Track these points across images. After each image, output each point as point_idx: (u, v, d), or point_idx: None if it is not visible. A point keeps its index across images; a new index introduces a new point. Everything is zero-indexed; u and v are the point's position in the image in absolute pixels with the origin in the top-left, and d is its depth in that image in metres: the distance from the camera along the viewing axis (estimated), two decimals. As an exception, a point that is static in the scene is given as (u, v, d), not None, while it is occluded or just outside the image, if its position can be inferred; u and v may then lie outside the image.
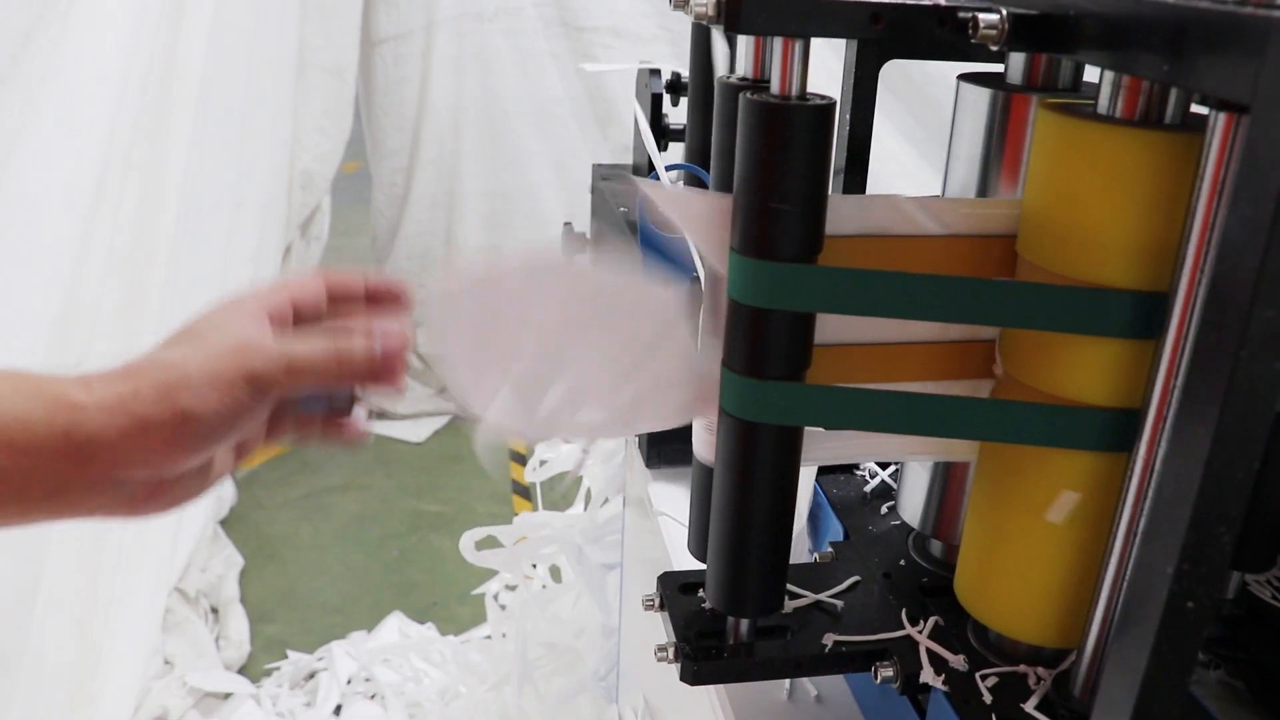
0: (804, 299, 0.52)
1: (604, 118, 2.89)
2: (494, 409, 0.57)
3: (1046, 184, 0.53)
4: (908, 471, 0.71)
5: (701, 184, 0.93)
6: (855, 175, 0.67)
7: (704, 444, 0.63)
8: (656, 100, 0.97)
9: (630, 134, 1.08)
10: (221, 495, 2.37)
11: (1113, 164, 0.50)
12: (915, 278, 0.52)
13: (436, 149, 2.95)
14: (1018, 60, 0.60)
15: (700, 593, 0.65)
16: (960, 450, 0.63)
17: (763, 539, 0.59)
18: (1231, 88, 0.38)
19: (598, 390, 0.58)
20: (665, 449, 1.03)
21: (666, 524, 0.94)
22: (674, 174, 1.05)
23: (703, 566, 0.64)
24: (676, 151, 0.99)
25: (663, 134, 0.99)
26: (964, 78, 0.62)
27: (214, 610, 2.09)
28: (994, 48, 0.50)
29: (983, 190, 0.60)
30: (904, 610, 0.65)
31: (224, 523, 2.36)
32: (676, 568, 0.76)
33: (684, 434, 0.66)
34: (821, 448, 0.62)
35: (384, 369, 0.52)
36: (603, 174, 1.17)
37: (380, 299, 0.57)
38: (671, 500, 0.97)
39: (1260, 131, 0.36)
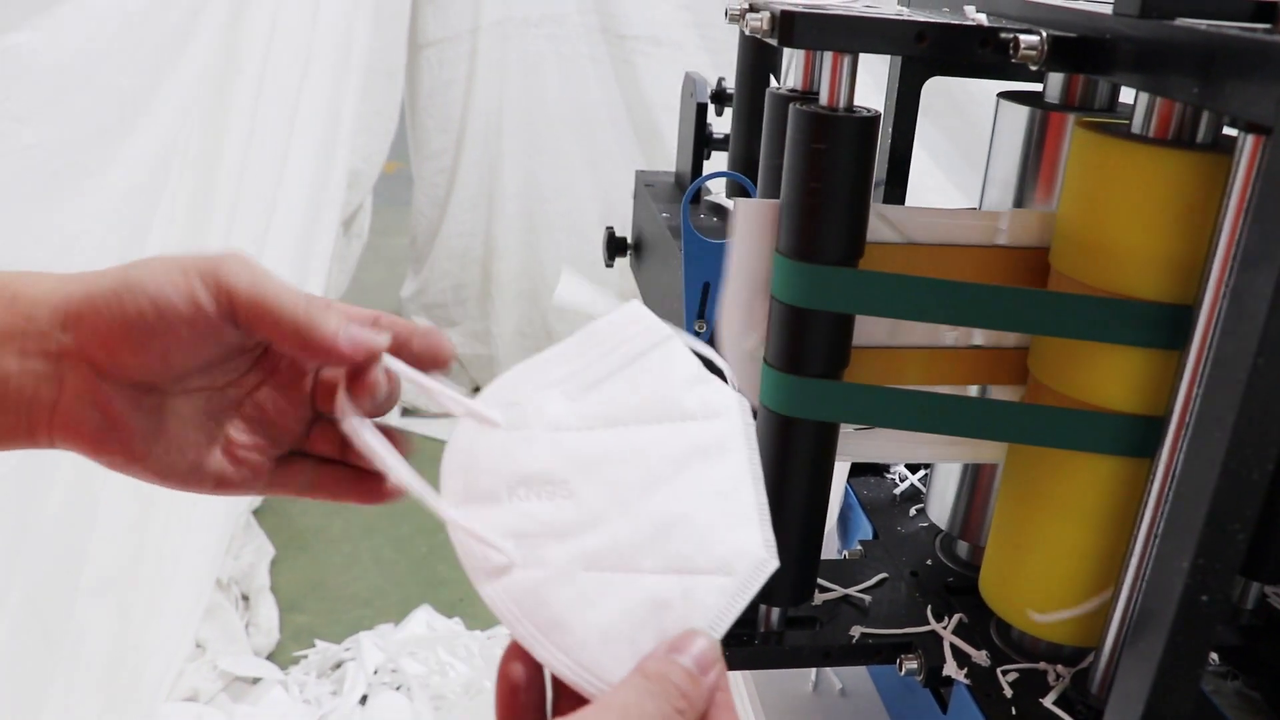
0: (843, 301, 0.55)
1: (642, 124, 2.92)
2: None
3: (1080, 199, 0.56)
4: (937, 475, 0.74)
5: (745, 192, 0.96)
6: (895, 187, 0.70)
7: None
8: (701, 109, 0.99)
9: (670, 141, 1.10)
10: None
11: (1145, 182, 0.52)
12: (950, 284, 0.54)
13: (479, 151, 2.99)
14: (1056, 80, 0.62)
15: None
16: (988, 453, 0.66)
17: (796, 530, 0.61)
18: (1256, 110, 0.40)
19: None
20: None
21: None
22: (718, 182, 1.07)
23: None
24: (720, 160, 1.01)
25: (706, 142, 1.01)
26: (1004, 95, 0.65)
27: (244, 598, 2.13)
28: (1033, 68, 0.52)
29: (1019, 203, 0.63)
30: (929, 607, 0.68)
31: (256, 513, 2.40)
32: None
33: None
34: (856, 445, 0.64)
35: (348, 360, 0.47)
36: (646, 180, 1.20)
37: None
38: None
39: (1281, 152, 0.39)
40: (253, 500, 2.42)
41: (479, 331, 3.13)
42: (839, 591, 0.69)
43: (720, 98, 1.03)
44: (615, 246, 1.15)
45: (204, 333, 0.46)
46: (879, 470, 0.86)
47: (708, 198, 1.11)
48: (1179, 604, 0.45)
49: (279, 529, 2.40)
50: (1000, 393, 0.64)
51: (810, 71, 0.57)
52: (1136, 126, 0.54)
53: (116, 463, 0.49)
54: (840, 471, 0.83)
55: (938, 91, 2.21)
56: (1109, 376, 0.56)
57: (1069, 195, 0.57)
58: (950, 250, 0.58)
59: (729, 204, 1.06)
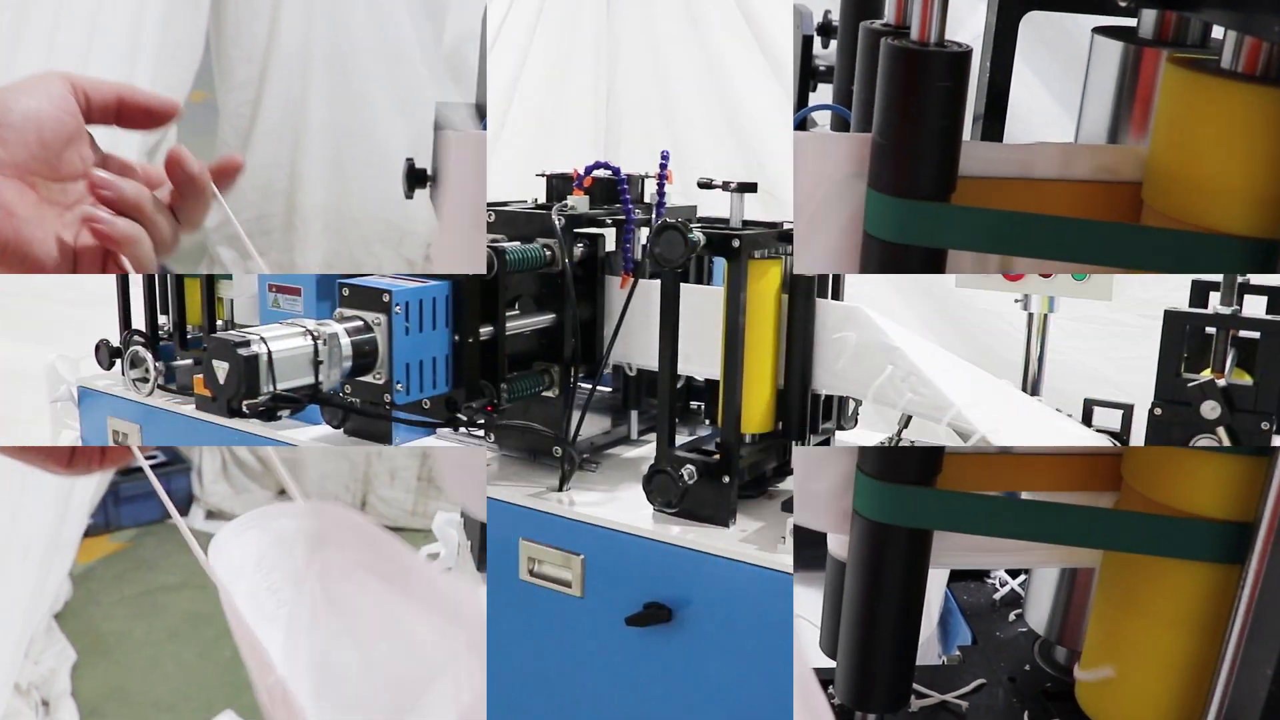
0: (936, 235, 0.77)
1: (452, 59, 3.68)
2: None
3: (1171, 135, 0.77)
4: (1035, 580, 0.96)
5: (846, 124, 1.23)
6: (994, 122, 0.92)
7: (839, 541, 0.86)
8: (808, 41, 1.28)
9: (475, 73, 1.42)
10: (57, 590, 2.77)
11: (1233, 117, 0.73)
12: (1040, 218, 0.76)
13: (284, 84, 3.75)
14: (1149, 16, 0.84)
15: (829, 690, 0.86)
16: (1083, 557, 0.87)
17: (891, 636, 0.81)
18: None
19: None
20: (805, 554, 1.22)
21: (801, 625, 1.08)
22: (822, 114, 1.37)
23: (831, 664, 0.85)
24: (825, 92, 1.31)
25: (812, 74, 1.31)
26: (1099, 30, 0.87)
27: (45, 703, 2.47)
28: (1123, 4, 0.74)
29: (1113, 138, 0.85)
30: (1027, 713, 0.89)
31: (58, 616, 2.78)
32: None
33: (821, 538, 0.88)
34: (951, 552, 0.84)
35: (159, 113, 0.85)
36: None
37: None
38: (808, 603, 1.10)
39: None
40: (54, 604, 2.76)
41: (283, 263, 3.83)
42: (936, 697, 0.90)
43: (826, 30, 1.33)
44: (415, 178, 1.52)
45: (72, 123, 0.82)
46: (979, 575, 1.09)
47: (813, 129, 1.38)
48: (1264, 709, 0.61)
49: (81, 633, 2.82)
50: (1093, 499, 0.84)
51: (903, 6, 0.76)
52: (1226, 62, 0.74)
53: None
54: (940, 576, 1.05)
55: (1053, 25, 2.55)
56: (1201, 482, 0.76)
57: (1160, 131, 0.78)
58: (1038, 185, 0.80)
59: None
